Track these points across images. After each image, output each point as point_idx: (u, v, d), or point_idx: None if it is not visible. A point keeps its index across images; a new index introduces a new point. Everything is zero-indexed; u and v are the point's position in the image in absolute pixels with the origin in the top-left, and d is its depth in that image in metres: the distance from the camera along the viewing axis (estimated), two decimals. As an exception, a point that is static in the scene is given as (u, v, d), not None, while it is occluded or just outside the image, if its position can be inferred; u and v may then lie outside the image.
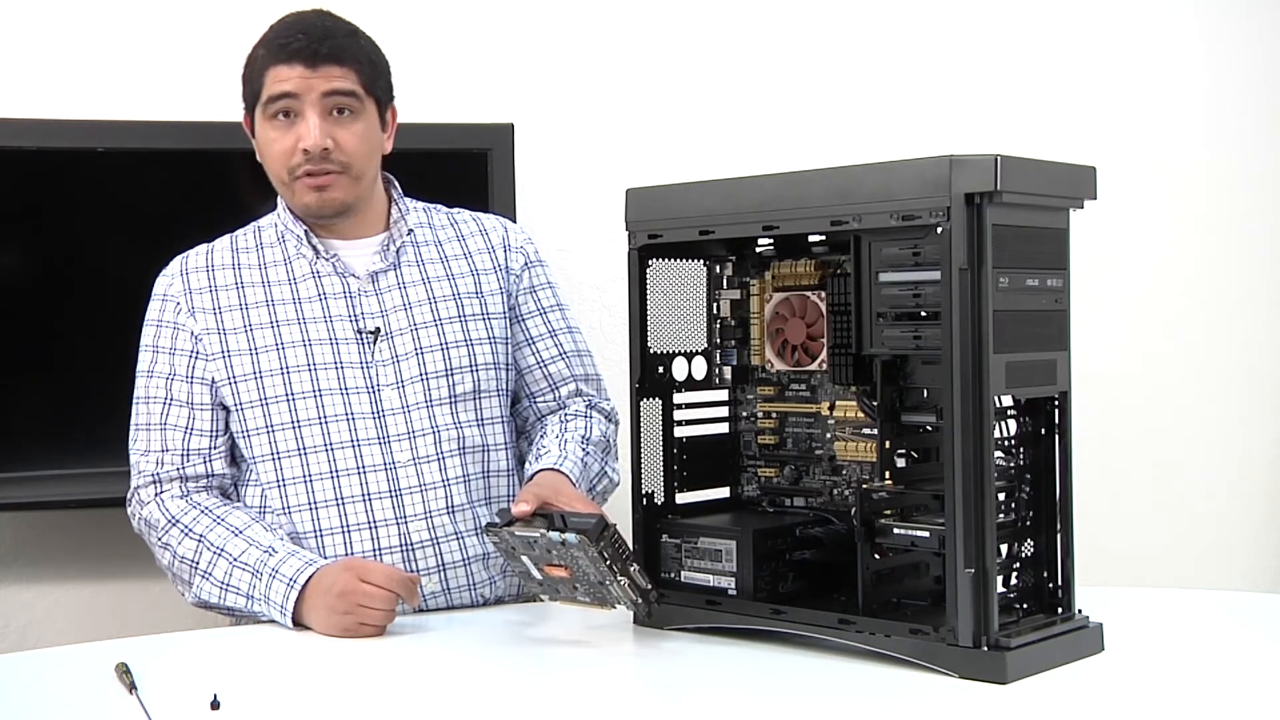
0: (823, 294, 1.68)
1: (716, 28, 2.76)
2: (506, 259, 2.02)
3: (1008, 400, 1.54)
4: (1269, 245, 3.03)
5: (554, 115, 2.66)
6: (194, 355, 1.89)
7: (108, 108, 2.43)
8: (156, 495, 1.87)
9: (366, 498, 1.85)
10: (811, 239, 1.71)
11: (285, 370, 1.86)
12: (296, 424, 1.85)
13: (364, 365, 1.88)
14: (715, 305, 1.81)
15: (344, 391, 1.86)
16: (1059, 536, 1.58)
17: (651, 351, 1.75)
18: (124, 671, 1.47)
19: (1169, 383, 2.97)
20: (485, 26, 2.65)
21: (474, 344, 1.94)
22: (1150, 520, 2.93)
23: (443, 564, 1.86)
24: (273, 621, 1.76)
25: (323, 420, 1.86)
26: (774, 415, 1.77)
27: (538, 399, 2.01)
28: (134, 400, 1.92)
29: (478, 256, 2.00)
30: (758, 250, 1.78)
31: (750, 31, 2.77)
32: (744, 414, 1.80)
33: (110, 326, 2.38)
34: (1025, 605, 1.57)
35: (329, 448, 1.86)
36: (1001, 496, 1.55)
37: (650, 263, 1.75)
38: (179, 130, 2.36)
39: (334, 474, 1.85)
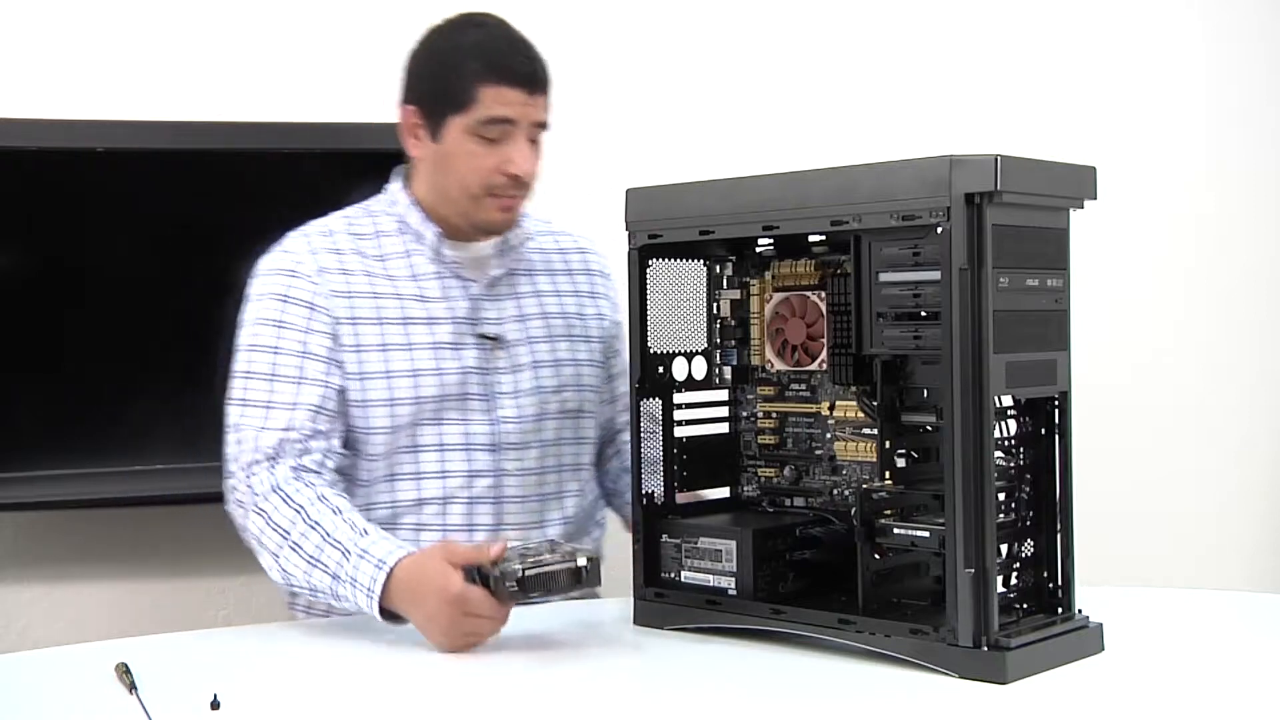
0: (823, 294, 1.68)
1: (716, 28, 2.76)
2: (607, 288, 2.04)
3: (1008, 400, 1.54)
4: (1269, 245, 3.03)
5: (554, 115, 2.65)
6: (332, 338, 1.83)
7: (108, 108, 2.43)
8: (270, 467, 1.79)
9: (471, 501, 1.86)
10: (811, 239, 1.71)
11: (415, 373, 1.84)
12: (416, 424, 1.84)
13: (483, 372, 1.88)
14: (715, 305, 1.81)
15: (464, 397, 1.86)
16: (1059, 536, 1.58)
17: (651, 351, 1.75)
18: (124, 671, 1.47)
19: (1169, 383, 2.96)
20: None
21: (580, 364, 1.96)
22: (1150, 520, 2.93)
23: None
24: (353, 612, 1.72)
25: (439, 421, 1.85)
26: (774, 415, 1.77)
27: (601, 429, 2.05)
28: (248, 374, 1.83)
29: (581, 277, 2.02)
30: (758, 250, 1.78)
31: (750, 31, 2.77)
32: (744, 414, 1.80)
33: (110, 326, 2.38)
34: (1025, 605, 1.57)
35: (442, 448, 1.86)
36: (1001, 496, 1.55)
37: (650, 263, 1.75)
38: (179, 130, 2.36)
39: (443, 474, 1.86)
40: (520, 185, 1.85)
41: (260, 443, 1.80)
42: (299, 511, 1.74)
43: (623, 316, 1.93)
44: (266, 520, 1.76)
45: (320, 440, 1.81)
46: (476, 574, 1.59)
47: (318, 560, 1.70)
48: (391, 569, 1.63)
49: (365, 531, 1.70)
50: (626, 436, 1.94)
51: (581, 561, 1.57)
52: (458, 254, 1.90)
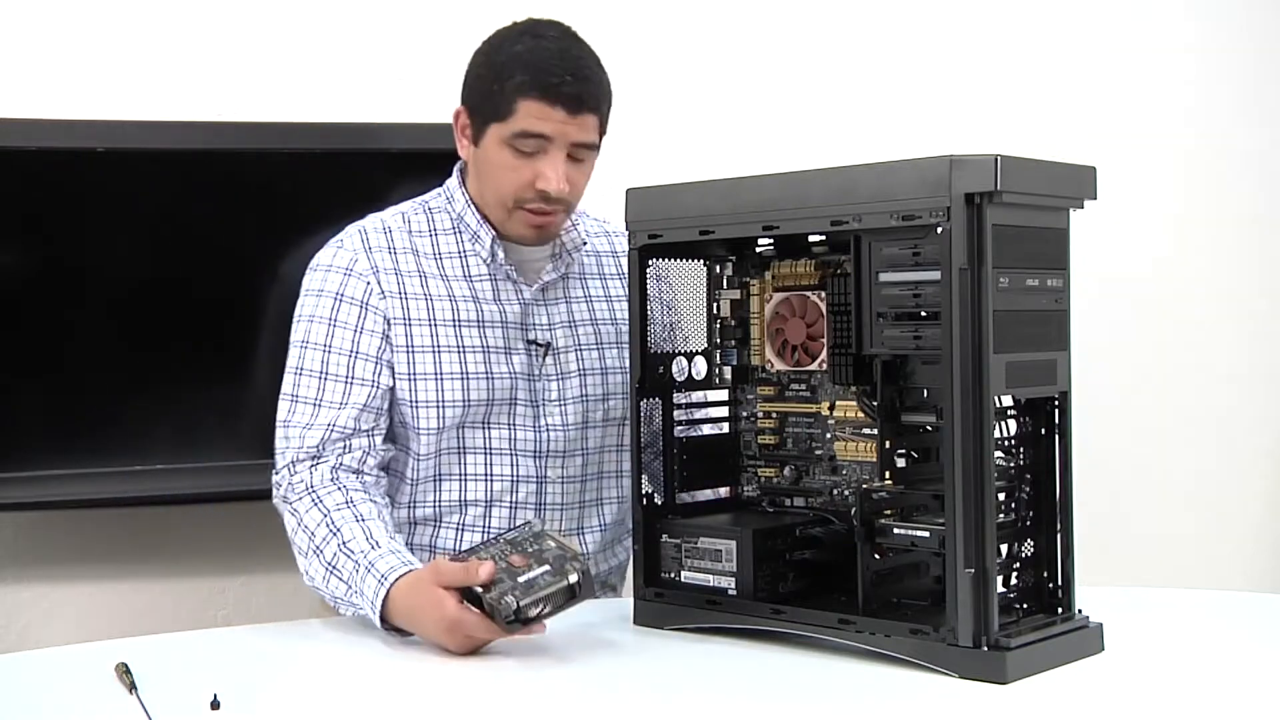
0: (823, 294, 1.68)
1: (716, 28, 2.76)
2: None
3: (1008, 400, 1.54)
4: (1269, 244, 3.03)
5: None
6: (384, 338, 1.83)
7: (108, 108, 2.43)
8: (311, 467, 1.80)
9: (514, 506, 1.86)
10: (811, 239, 1.71)
11: (465, 376, 1.84)
12: (463, 426, 1.85)
13: (530, 378, 1.87)
14: (715, 305, 1.81)
15: (512, 402, 1.86)
16: (1059, 536, 1.58)
17: (651, 351, 1.75)
18: (124, 671, 1.47)
19: (1169, 383, 2.97)
20: (486, 27, 2.65)
21: (627, 371, 1.93)
22: (1150, 520, 2.93)
23: None
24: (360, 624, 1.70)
25: (486, 426, 1.85)
26: (774, 415, 1.77)
27: None
28: (297, 370, 1.84)
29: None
30: (758, 250, 1.78)
31: (750, 31, 2.77)
32: (744, 414, 1.80)
33: (110, 326, 2.38)
34: (1025, 605, 1.57)
35: (488, 451, 1.86)
36: (1001, 496, 1.55)
37: (650, 263, 1.75)
38: (179, 130, 2.36)
39: (488, 478, 1.86)
40: (553, 201, 1.82)
41: (306, 441, 1.81)
42: (325, 515, 1.75)
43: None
44: (299, 521, 1.78)
45: (363, 438, 1.82)
46: (471, 596, 1.57)
47: (335, 567, 1.71)
48: (389, 588, 1.63)
49: (377, 544, 1.70)
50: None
51: (573, 579, 1.55)
52: (513, 257, 1.89)
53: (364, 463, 1.82)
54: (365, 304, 1.84)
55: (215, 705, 1.37)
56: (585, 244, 1.95)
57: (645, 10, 2.72)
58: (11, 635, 2.46)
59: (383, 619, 1.64)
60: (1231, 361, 3.00)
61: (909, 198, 1.47)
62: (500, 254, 1.87)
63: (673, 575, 1.70)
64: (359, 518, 1.74)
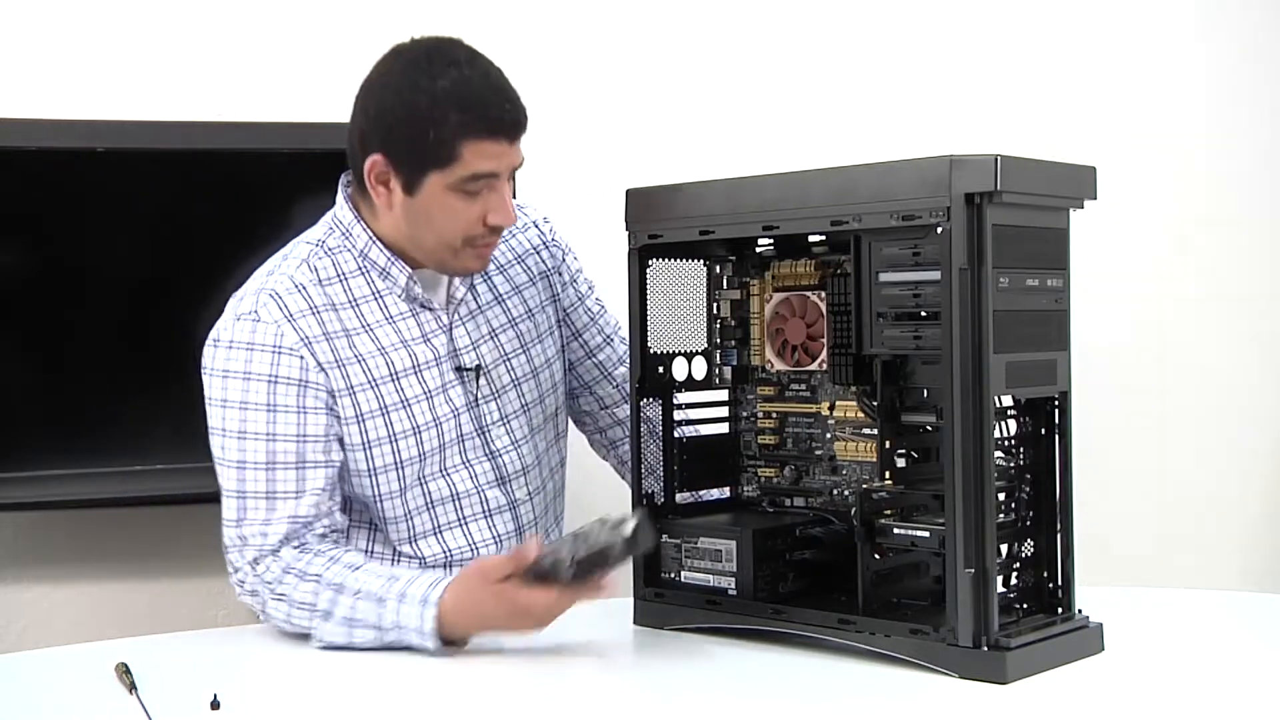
0: (823, 294, 1.69)
1: (716, 28, 2.76)
2: (549, 260, 1.96)
3: (1008, 400, 1.54)
4: (1269, 244, 3.03)
5: (554, 115, 2.65)
6: (329, 413, 1.73)
7: (108, 108, 2.43)
8: (274, 555, 1.70)
9: (498, 540, 1.83)
10: (811, 239, 1.71)
11: (417, 430, 1.77)
12: (423, 479, 1.79)
13: (469, 407, 1.82)
14: (715, 305, 1.81)
15: (461, 439, 1.81)
16: (1059, 536, 1.58)
17: (651, 351, 1.75)
18: (124, 671, 1.47)
19: (1169, 382, 2.96)
20: (484, 27, 2.64)
21: (550, 362, 1.91)
22: (1150, 520, 2.93)
23: None
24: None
25: (445, 472, 1.80)
26: (774, 415, 1.77)
27: (594, 388, 2.00)
28: (240, 464, 1.71)
29: (531, 259, 1.94)
30: (758, 250, 1.78)
31: (750, 31, 2.77)
32: (744, 414, 1.80)
33: (110, 326, 2.38)
34: (1025, 605, 1.57)
35: (455, 497, 1.81)
36: (1001, 496, 1.55)
37: (650, 263, 1.75)
38: (179, 130, 2.35)
39: (462, 521, 1.82)
40: (499, 231, 1.76)
41: (268, 539, 1.71)
42: (318, 581, 1.66)
43: (585, 263, 1.96)
44: (289, 603, 1.68)
45: (324, 519, 1.73)
46: (534, 574, 1.56)
47: (354, 619, 1.63)
48: (438, 608, 1.58)
49: (394, 576, 1.64)
50: (623, 370, 1.94)
51: (629, 526, 1.52)
52: (425, 288, 1.80)
53: (325, 538, 1.74)
54: (303, 382, 1.71)
55: (215, 705, 1.38)
56: None
57: (645, 10, 2.72)
58: (11, 635, 2.45)
59: (439, 637, 1.59)
60: (1231, 361, 3.00)
61: (909, 198, 1.47)
62: (418, 289, 1.79)
63: (673, 575, 1.70)
64: (353, 566, 1.67)
